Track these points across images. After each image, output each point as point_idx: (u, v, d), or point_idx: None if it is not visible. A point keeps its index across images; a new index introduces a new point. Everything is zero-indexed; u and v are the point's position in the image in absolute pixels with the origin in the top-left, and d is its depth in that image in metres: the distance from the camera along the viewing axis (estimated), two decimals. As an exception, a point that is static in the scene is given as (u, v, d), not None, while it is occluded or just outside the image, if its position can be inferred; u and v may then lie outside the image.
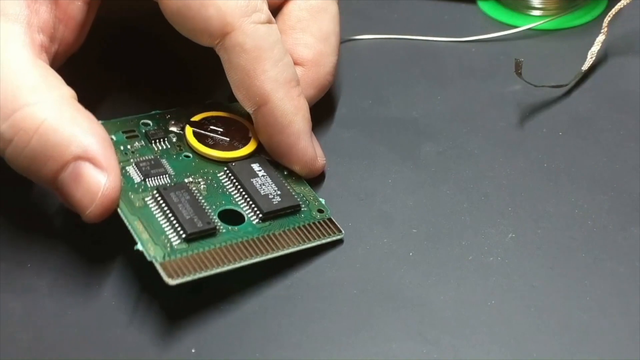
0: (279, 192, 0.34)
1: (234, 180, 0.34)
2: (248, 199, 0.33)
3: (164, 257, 0.30)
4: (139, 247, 0.31)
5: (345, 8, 0.40)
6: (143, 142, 0.35)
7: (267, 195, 0.33)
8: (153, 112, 0.36)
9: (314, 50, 0.37)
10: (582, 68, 0.40)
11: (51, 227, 0.34)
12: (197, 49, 0.35)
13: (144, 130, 0.35)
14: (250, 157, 0.35)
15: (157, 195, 0.32)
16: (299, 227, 0.33)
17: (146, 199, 0.32)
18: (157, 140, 0.35)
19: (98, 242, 0.33)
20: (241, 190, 0.34)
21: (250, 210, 0.33)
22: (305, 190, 0.35)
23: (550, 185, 0.36)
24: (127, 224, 0.31)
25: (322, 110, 0.38)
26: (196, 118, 0.36)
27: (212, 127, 0.36)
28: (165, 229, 0.31)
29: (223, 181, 0.34)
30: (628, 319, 0.31)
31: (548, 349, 0.30)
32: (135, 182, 0.33)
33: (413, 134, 0.38)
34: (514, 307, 0.31)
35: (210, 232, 0.32)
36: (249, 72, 0.33)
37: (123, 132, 0.35)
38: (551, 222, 0.34)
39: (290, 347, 0.30)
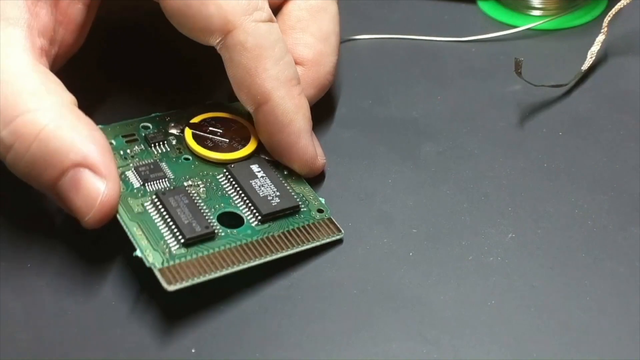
0: (278, 193, 0.34)
1: (233, 182, 0.34)
2: (247, 201, 0.33)
3: (162, 263, 0.30)
4: (138, 253, 0.31)
5: (345, 8, 0.40)
6: (143, 146, 0.35)
7: (266, 196, 0.33)
8: (153, 114, 0.36)
9: (314, 50, 0.37)
10: (582, 68, 0.40)
11: (51, 227, 0.34)
12: (197, 49, 0.35)
13: (143, 134, 0.35)
14: (250, 157, 0.35)
15: (155, 200, 0.32)
16: (298, 228, 0.33)
17: (145, 204, 0.32)
18: (157, 144, 0.35)
19: (98, 242, 0.33)
20: (240, 192, 0.33)
21: (249, 213, 0.33)
22: (305, 190, 0.35)
23: (550, 185, 0.36)
24: (126, 230, 0.31)
25: (322, 110, 0.38)
26: (195, 120, 0.36)
27: (211, 128, 0.36)
28: (164, 234, 0.31)
29: (222, 183, 0.34)
30: (628, 319, 0.31)
31: (548, 349, 0.30)
32: (135, 187, 0.33)
33: (413, 134, 0.38)
34: (514, 307, 0.31)
35: (209, 236, 0.32)
36: (250, 71, 0.33)
37: (123, 137, 0.35)
38: (551, 222, 0.34)
39: (290, 347, 0.30)
